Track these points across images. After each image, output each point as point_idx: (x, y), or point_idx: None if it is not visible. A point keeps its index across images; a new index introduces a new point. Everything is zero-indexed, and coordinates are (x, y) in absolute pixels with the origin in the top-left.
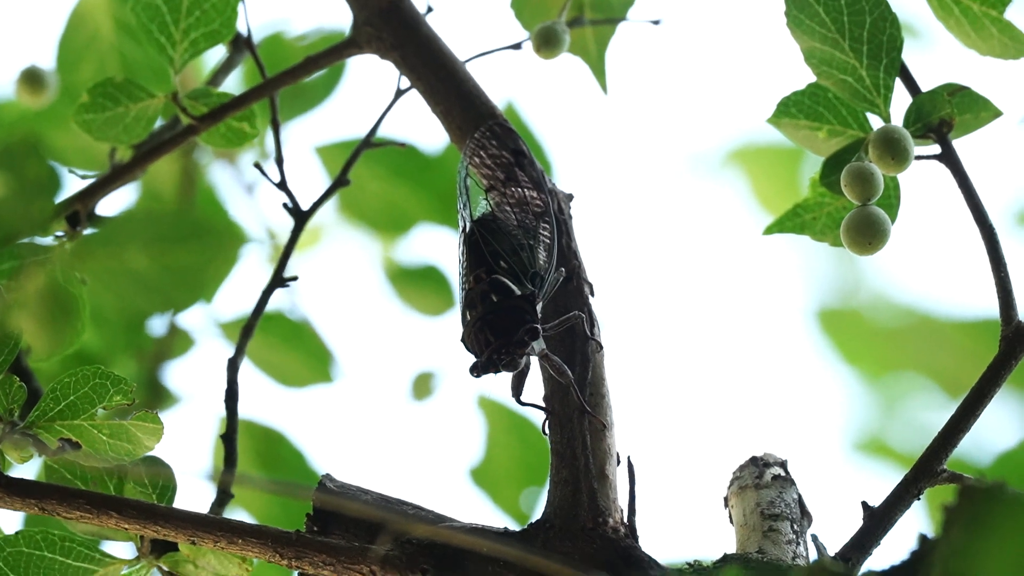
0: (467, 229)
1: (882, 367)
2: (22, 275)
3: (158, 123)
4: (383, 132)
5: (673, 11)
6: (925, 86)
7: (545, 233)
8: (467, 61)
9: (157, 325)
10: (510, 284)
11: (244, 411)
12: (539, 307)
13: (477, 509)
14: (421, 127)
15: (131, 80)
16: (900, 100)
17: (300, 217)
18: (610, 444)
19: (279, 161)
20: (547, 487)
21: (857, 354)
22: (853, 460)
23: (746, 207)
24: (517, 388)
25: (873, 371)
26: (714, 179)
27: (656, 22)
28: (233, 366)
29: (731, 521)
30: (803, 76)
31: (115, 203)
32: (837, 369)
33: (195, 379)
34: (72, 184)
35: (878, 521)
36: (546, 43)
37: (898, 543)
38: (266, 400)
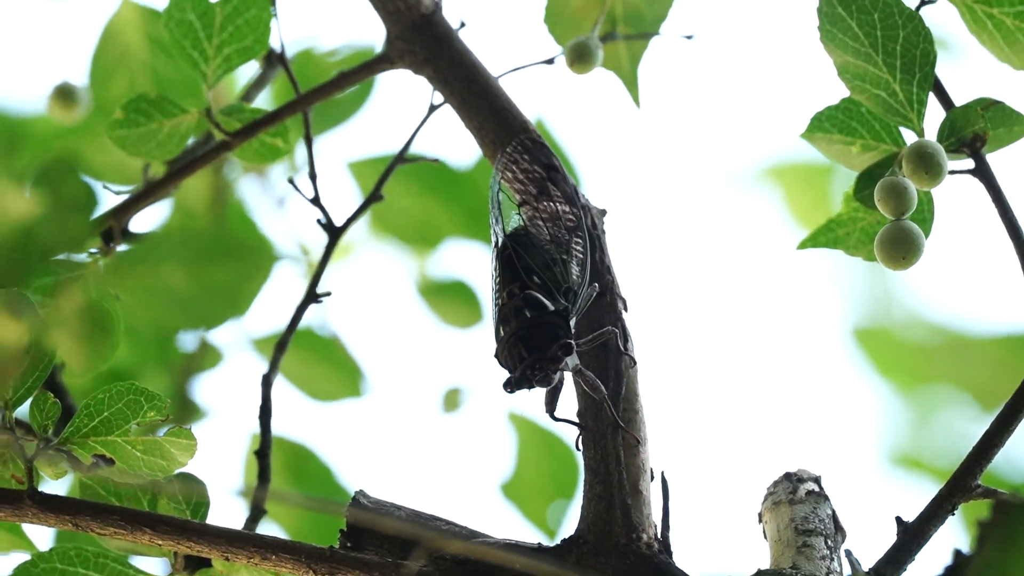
0: (499, 244)
1: (916, 382)
2: (57, 292)
3: (191, 139)
4: (413, 147)
5: (706, 26)
6: (958, 100)
7: (578, 248)
8: (500, 76)
9: (187, 340)
10: (543, 299)
11: (275, 427)
12: (573, 322)
13: (507, 523)
14: (451, 142)
15: (164, 96)
16: (933, 114)
17: (334, 233)
18: (644, 459)
19: (312, 176)
20: (579, 502)
21: (891, 370)
22: (888, 474)
23: (781, 223)
24: (551, 404)
25: (907, 385)
26: (748, 195)
27: (689, 37)
28: (267, 382)
29: (765, 536)
30: (836, 91)
31: (148, 219)
32: (871, 384)
33: (224, 394)
34: (106, 200)
35: (912, 536)
36: (579, 58)
37: (933, 559)
38: (296, 415)
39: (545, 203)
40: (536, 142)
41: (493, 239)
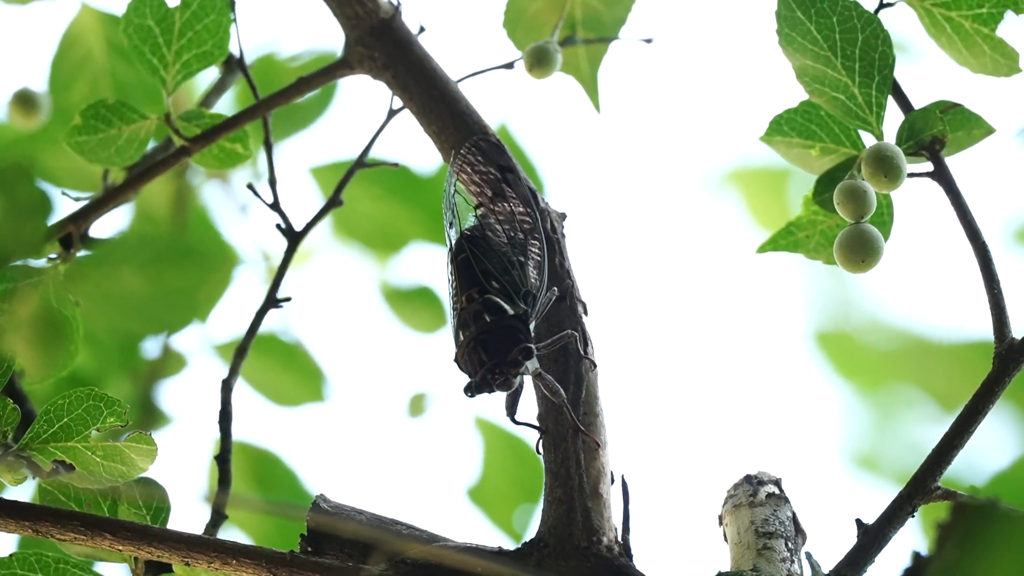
0: (455, 247)
1: (876, 385)
2: (15, 298)
3: (151, 145)
4: (375, 152)
5: (665, 30)
6: (917, 103)
7: (535, 250)
8: (460, 81)
9: (150, 346)
10: (503, 303)
11: (237, 432)
12: (532, 326)
13: (472, 527)
14: (413, 146)
15: (123, 102)
16: (893, 117)
17: (293, 238)
18: (604, 463)
19: (272, 182)
20: (541, 506)
21: (851, 373)
22: (849, 476)
23: (741, 227)
24: (511, 407)
25: (868, 387)
26: (709, 199)
27: (648, 41)
28: (227, 387)
29: (725, 539)
30: (795, 94)
31: (108, 225)
32: (832, 386)
33: (187, 399)
34: (65, 206)
35: (872, 538)
36: (538, 62)
37: (892, 560)
38: (259, 420)
39: (501, 204)
40: (490, 143)
41: (448, 242)
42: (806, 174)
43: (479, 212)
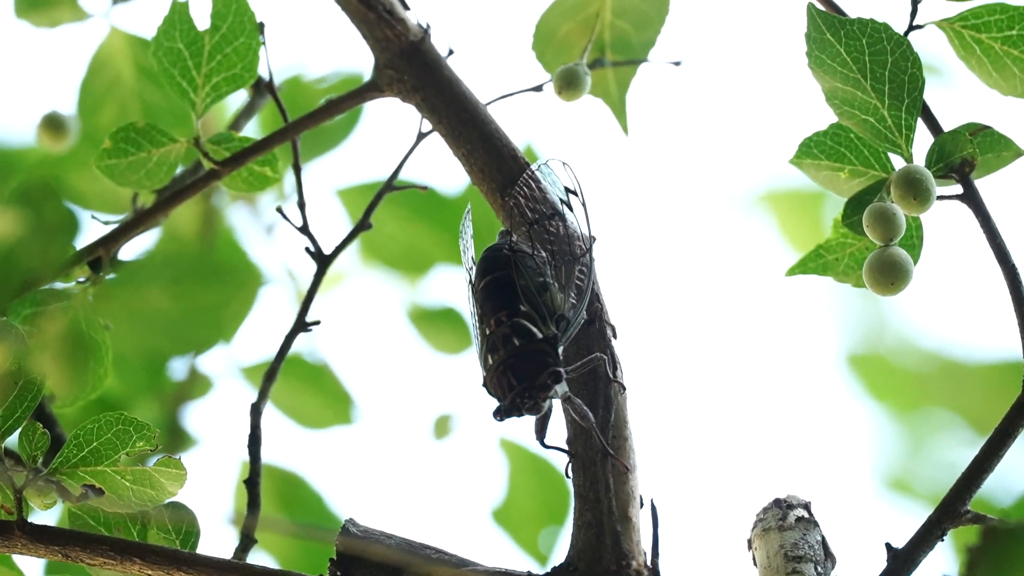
0: (484, 266)
1: (909, 407)
2: (44, 321)
3: (180, 168)
4: (402, 174)
5: (695, 52)
6: (947, 126)
7: (580, 275)
8: (489, 103)
9: (177, 368)
10: (531, 327)
11: (263, 454)
12: (561, 350)
13: (499, 549)
14: (437, 167)
15: (153, 125)
16: (922, 140)
17: (323, 261)
18: (633, 487)
19: (301, 205)
20: (568, 528)
21: (884, 395)
22: (882, 499)
23: (774, 250)
24: (540, 431)
25: (901, 410)
26: (741, 221)
27: (677, 63)
28: (256, 411)
29: (755, 563)
30: (825, 117)
31: (137, 248)
32: (865, 409)
33: (214, 422)
34: (95, 229)
35: (902, 562)
36: (567, 85)
37: None
38: (286, 443)
39: (556, 224)
40: (565, 164)
41: (467, 273)
42: (840, 196)
43: (533, 230)
